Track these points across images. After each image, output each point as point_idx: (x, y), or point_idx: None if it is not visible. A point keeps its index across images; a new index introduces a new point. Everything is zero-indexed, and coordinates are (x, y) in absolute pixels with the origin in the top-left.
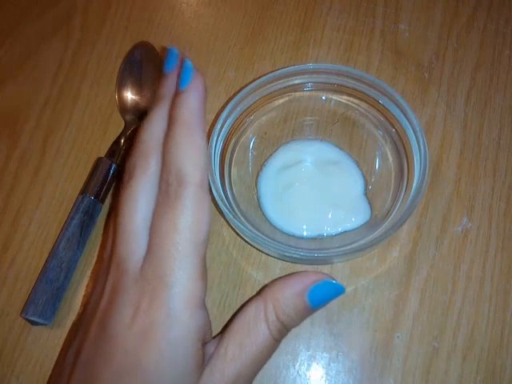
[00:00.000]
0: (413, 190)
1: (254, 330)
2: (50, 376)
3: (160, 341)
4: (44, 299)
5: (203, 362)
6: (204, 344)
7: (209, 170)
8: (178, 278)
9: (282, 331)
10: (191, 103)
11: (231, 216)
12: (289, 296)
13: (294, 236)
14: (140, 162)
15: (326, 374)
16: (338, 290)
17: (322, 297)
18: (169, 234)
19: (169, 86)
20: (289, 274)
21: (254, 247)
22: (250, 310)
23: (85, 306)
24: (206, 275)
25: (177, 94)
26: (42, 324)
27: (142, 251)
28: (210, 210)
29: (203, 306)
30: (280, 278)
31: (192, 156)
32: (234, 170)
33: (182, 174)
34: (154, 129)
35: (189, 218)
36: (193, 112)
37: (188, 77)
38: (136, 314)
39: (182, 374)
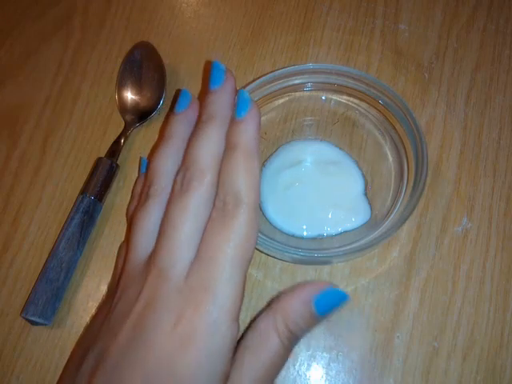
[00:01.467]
0: (413, 190)
1: (265, 340)
2: (60, 379)
3: (200, 349)
4: (44, 299)
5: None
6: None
7: None
8: (224, 290)
9: (292, 339)
10: (250, 132)
11: None
12: (296, 306)
13: (293, 236)
14: (197, 177)
15: (326, 374)
16: (342, 298)
17: (328, 304)
18: (222, 248)
19: (216, 103)
20: (295, 285)
21: None
22: (261, 322)
23: (102, 308)
24: (244, 290)
25: (235, 122)
26: (42, 324)
27: (186, 262)
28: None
29: (238, 318)
30: (287, 289)
31: (249, 180)
32: None
33: (238, 195)
34: (210, 147)
35: (242, 236)
36: (251, 140)
37: (246, 107)
38: (178, 321)
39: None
